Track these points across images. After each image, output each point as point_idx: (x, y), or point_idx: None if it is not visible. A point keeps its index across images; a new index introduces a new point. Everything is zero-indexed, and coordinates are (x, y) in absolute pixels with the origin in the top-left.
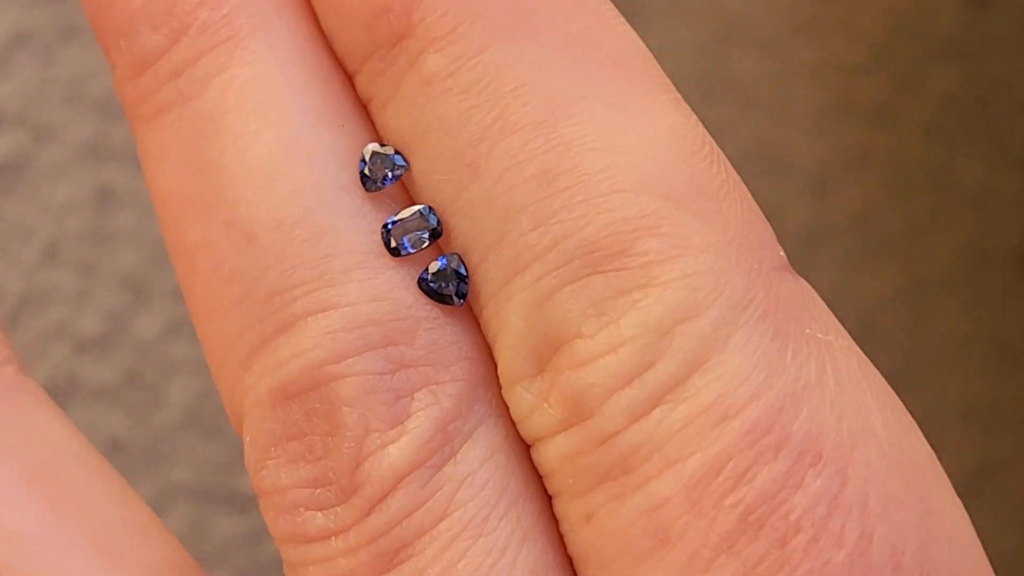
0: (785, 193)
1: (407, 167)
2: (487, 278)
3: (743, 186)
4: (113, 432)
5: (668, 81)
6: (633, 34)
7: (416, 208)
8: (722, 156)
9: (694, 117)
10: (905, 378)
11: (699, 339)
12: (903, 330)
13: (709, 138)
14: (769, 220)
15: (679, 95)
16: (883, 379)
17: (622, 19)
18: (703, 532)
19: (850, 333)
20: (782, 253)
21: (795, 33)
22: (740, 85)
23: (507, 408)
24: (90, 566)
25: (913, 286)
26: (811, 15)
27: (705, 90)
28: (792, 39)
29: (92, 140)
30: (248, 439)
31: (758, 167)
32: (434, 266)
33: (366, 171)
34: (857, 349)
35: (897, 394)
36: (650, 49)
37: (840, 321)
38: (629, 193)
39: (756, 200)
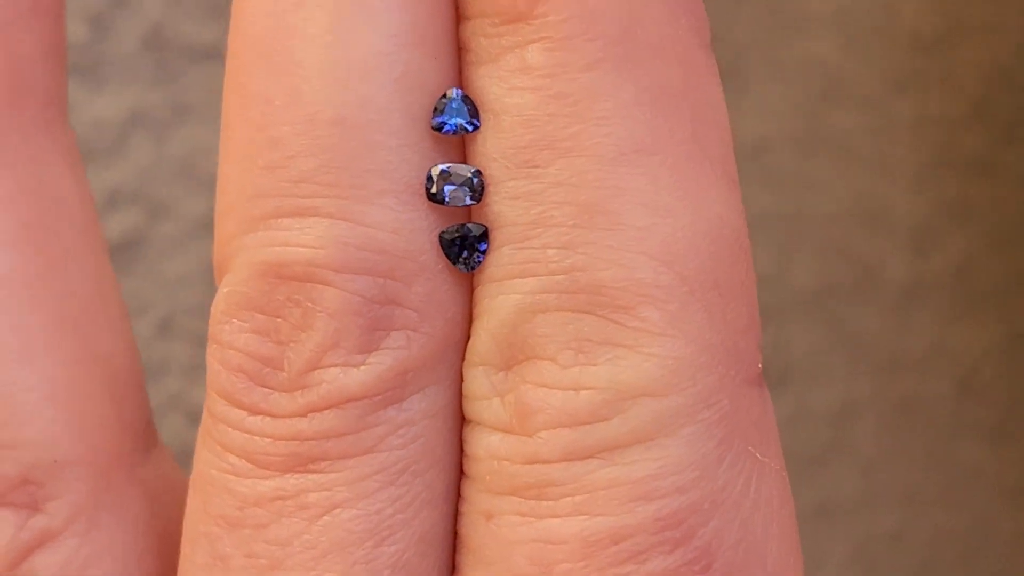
0: (885, 247)
1: (477, 128)
2: (499, 263)
3: (754, 289)
4: None
5: (734, 164)
6: (723, 104)
7: (470, 168)
8: (749, 255)
9: (741, 208)
10: (1005, 432)
11: (655, 416)
12: (1004, 384)
13: (746, 234)
14: (869, 274)
15: (737, 181)
16: (793, 510)
17: (719, 83)
18: None
19: (950, 387)
20: (760, 366)
21: (894, 88)
22: (840, 141)
23: (462, 378)
24: (37, 329)
25: (1014, 339)
26: (910, 70)
27: (805, 147)
28: (891, 94)
29: (205, 216)
30: (225, 290)
31: (858, 222)
32: (461, 228)
33: (439, 112)
34: (785, 476)
35: (996, 448)
36: (750, 107)
37: (939, 375)
38: (655, 260)
39: (856, 255)
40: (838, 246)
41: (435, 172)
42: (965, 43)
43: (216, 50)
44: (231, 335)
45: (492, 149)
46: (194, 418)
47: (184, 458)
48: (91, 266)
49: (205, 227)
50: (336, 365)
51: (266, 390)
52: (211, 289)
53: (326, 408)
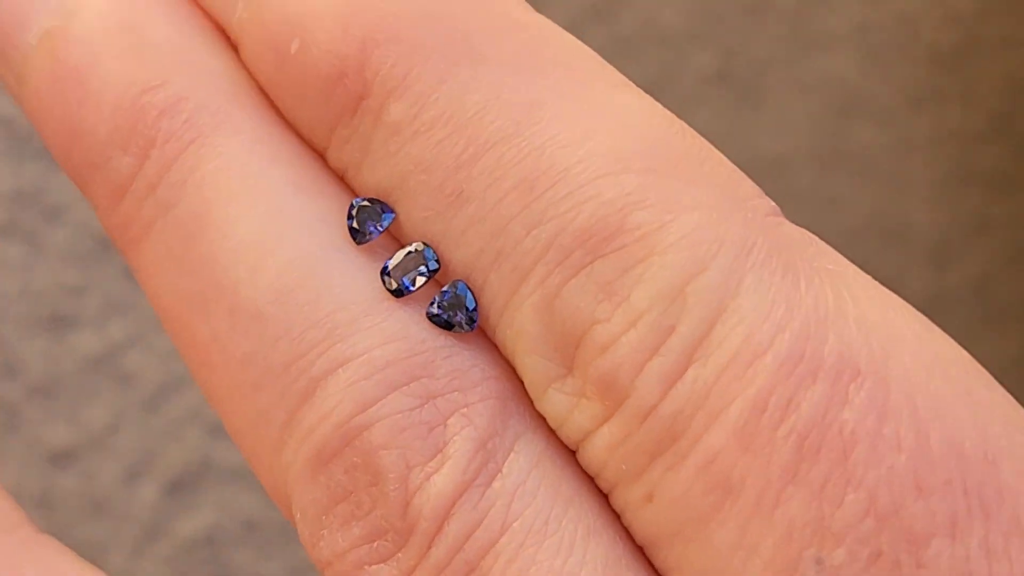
0: (904, 263)
1: (394, 216)
2: (493, 296)
3: (718, 152)
4: (247, 512)
5: (623, 78)
6: (574, 39)
7: (410, 248)
8: (678, 121)
9: (656, 102)
10: None
11: (711, 291)
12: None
13: (674, 116)
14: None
15: (636, 87)
16: (900, 298)
17: (559, 28)
18: (763, 471)
19: None
20: (772, 203)
21: (913, 104)
22: (859, 157)
23: (542, 420)
24: None
25: None
26: (929, 86)
27: (824, 163)
28: (910, 110)
29: None
30: (298, 516)
31: (877, 238)
32: (439, 298)
33: (354, 224)
34: (866, 276)
35: None
36: (769, 123)
37: None
38: (609, 176)
39: (875, 270)
40: (857, 261)
41: (384, 275)
42: (983, 58)
43: None
44: (329, 547)
45: (418, 212)
46: (212, 431)
47: (202, 470)
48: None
49: None
50: (421, 485)
51: (391, 561)
52: None
53: (442, 525)
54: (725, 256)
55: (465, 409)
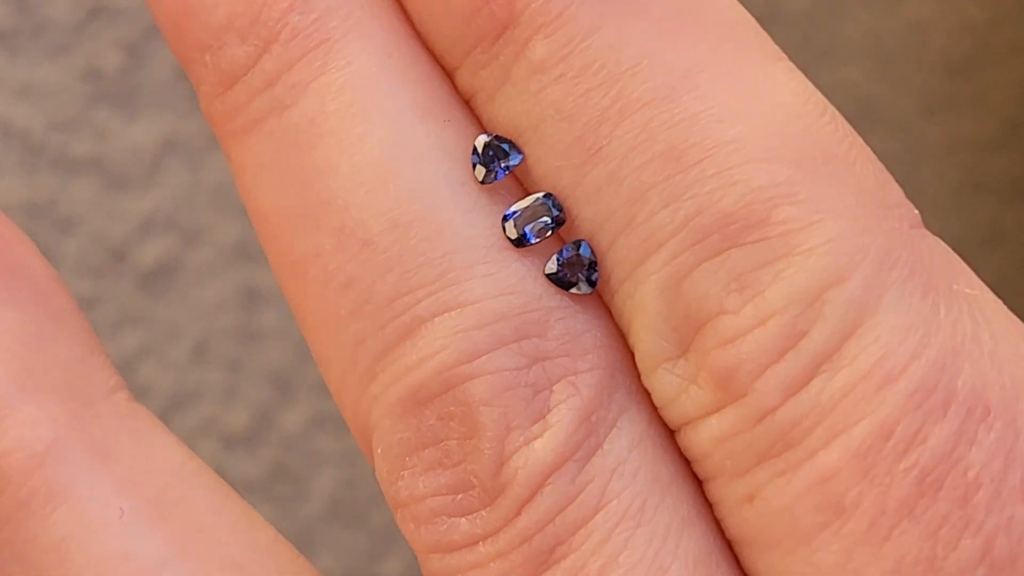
0: None
1: (523, 157)
2: (618, 262)
3: (868, 148)
4: None
5: (778, 49)
6: (738, 4)
7: (536, 196)
8: (838, 115)
9: (810, 83)
10: None
11: (850, 303)
12: None
13: (828, 103)
14: None
15: (781, 53)
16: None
17: None
18: (880, 499)
19: None
20: (916, 212)
21: (925, 112)
22: None
23: (646, 396)
24: None
25: None
26: (941, 94)
27: None
28: (922, 118)
29: (239, 242)
30: (379, 451)
31: None
32: (560, 255)
33: (480, 162)
34: (1001, 303)
35: None
36: None
37: None
38: (761, 163)
39: None
40: None
41: (510, 220)
42: (995, 66)
43: None
44: (408, 489)
45: (550, 160)
46: (227, 443)
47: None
48: (237, 509)
49: (239, 253)
50: (519, 449)
51: (472, 516)
52: (244, 314)
53: (535, 494)
54: (867, 268)
55: (573, 377)
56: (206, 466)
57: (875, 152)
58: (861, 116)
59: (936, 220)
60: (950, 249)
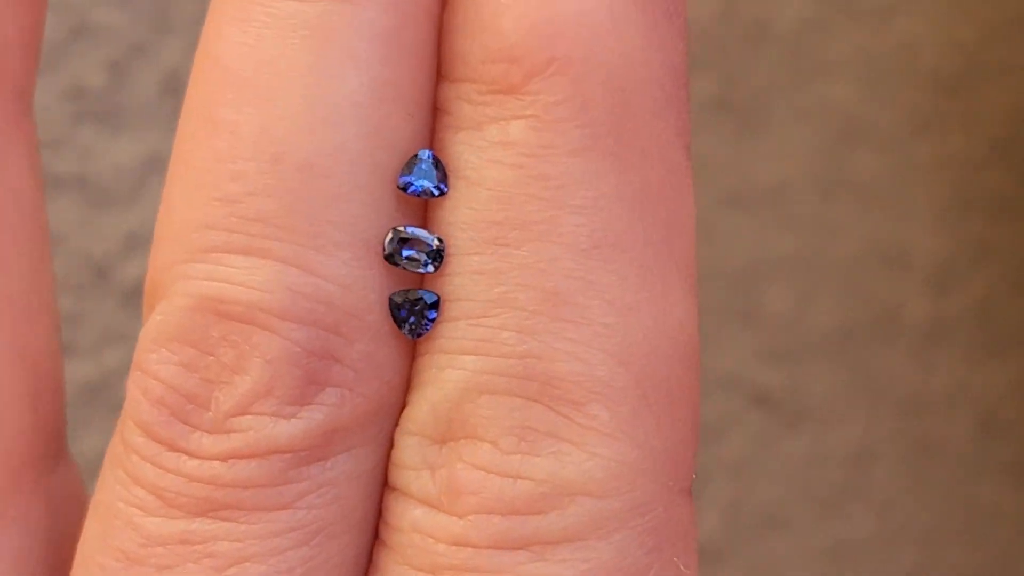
0: (906, 289)
1: (445, 192)
2: (451, 335)
3: (699, 397)
4: None
5: (694, 267)
6: (693, 210)
7: (432, 235)
8: (699, 363)
9: (697, 316)
10: None
11: (591, 517)
12: None
13: (698, 342)
14: (889, 316)
15: (694, 284)
16: None
17: (692, 188)
18: None
19: (970, 428)
20: (694, 476)
21: (914, 130)
22: (860, 183)
23: (391, 443)
24: None
25: None
26: (930, 111)
27: (825, 190)
28: (911, 136)
29: None
30: (158, 318)
31: (878, 263)
32: (412, 294)
33: (411, 170)
34: None
35: (1017, 487)
36: (770, 150)
37: (960, 415)
38: (614, 360)
39: (876, 296)
40: (858, 288)
41: (395, 234)
42: (985, 83)
43: None
44: (157, 364)
45: (461, 219)
46: None
47: None
48: (33, 264)
49: None
50: (266, 414)
51: (187, 427)
52: None
53: (249, 457)
54: (623, 503)
55: (348, 392)
56: (42, 213)
57: (865, 170)
58: (851, 134)
59: (926, 238)
60: (695, 520)
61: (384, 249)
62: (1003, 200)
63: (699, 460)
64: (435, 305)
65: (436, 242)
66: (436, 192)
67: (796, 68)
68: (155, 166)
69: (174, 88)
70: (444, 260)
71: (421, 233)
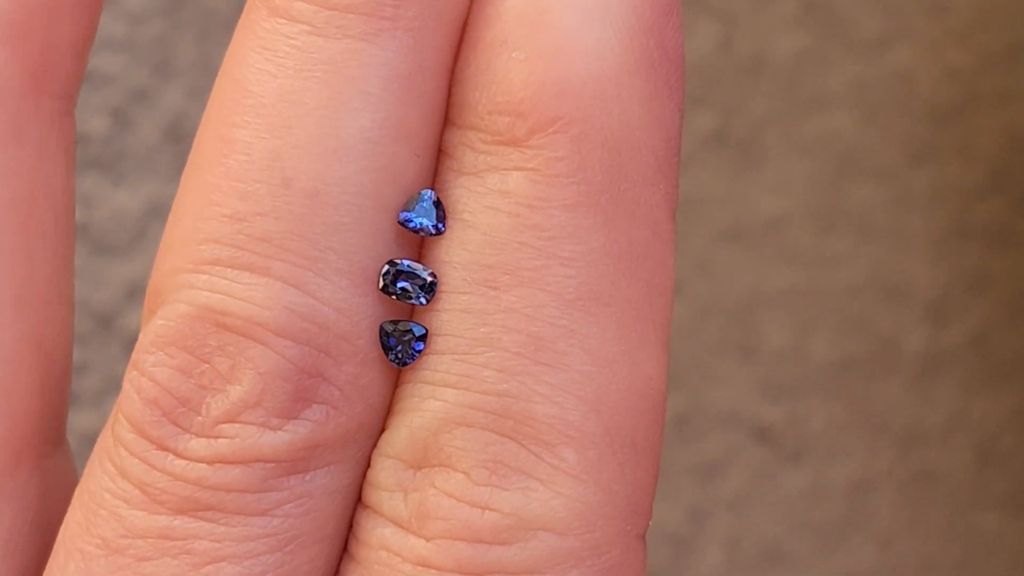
0: (904, 319)
1: (442, 231)
2: (435, 368)
3: (660, 447)
4: None
5: (669, 326)
6: (673, 273)
7: (427, 270)
8: (664, 418)
9: (666, 369)
10: None
11: (551, 553)
12: (1023, 454)
13: (666, 398)
14: (888, 347)
15: (668, 341)
16: None
17: (674, 252)
18: None
19: (969, 458)
20: (650, 521)
21: (912, 160)
22: (857, 214)
23: (367, 463)
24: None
25: None
26: (928, 141)
27: (823, 221)
28: (908, 166)
29: None
30: (159, 322)
31: (877, 295)
32: (403, 324)
33: (413, 207)
34: None
35: (1016, 518)
36: (768, 181)
37: (959, 446)
38: (587, 406)
39: (874, 328)
40: (856, 319)
41: (391, 266)
42: (981, 113)
43: None
44: (154, 366)
45: (455, 258)
46: None
47: None
48: (59, 256)
49: None
50: (254, 423)
51: (177, 429)
52: None
53: (234, 462)
54: (582, 542)
55: (333, 410)
56: (72, 218)
57: (861, 201)
58: (848, 164)
59: (923, 267)
60: (645, 564)
61: (380, 279)
62: (1000, 229)
63: (700, 495)
64: (423, 338)
65: (429, 277)
66: (434, 231)
67: (793, 100)
68: (157, 213)
69: (177, 134)
70: (436, 296)
71: (416, 267)
